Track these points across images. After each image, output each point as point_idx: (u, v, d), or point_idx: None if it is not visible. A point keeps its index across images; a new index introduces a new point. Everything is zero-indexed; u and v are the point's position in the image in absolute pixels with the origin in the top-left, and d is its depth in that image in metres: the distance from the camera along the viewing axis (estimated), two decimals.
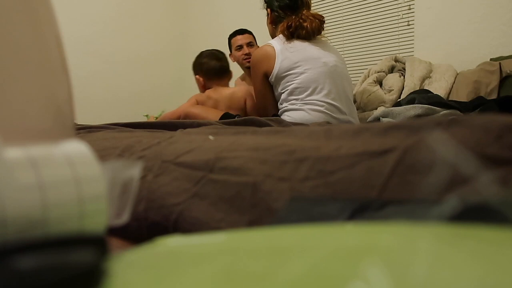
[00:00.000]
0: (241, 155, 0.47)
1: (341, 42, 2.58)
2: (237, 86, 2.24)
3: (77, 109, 0.37)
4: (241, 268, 0.21)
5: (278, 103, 1.56)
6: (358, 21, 2.50)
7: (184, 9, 3.59)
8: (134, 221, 0.48)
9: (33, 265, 0.20)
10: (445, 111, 1.27)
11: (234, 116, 1.55)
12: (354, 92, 1.91)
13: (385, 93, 1.87)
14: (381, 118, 1.41)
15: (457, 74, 1.86)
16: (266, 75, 1.54)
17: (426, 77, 1.90)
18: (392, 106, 1.69)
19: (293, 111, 1.48)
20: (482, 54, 1.94)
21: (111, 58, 3.10)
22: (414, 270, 0.18)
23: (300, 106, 1.47)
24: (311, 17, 1.51)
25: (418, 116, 1.30)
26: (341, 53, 1.92)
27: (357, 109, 1.76)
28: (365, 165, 0.38)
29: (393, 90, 1.86)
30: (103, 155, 0.62)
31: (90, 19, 2.99)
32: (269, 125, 1.06)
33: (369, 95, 1.87)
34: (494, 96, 1.66)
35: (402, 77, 1.93)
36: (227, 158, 0.48)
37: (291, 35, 1.51)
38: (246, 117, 1.18)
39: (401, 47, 2.32)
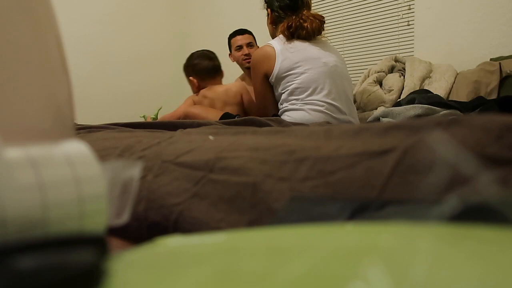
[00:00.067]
0: (241, 155, 0.47)
1: (341, 42, 2.58)
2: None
3: (77, 109, 0.37)
4: (241, 268, 0.21)
5: (278, 103, 1.56)
6: (358, 21, 2.50)
7: (184, 9, 3.58)
8: (134, 221, 0.48)
9: (33, 265, 0.20)
10: (445, 111, 1.27)
11: (234, 116, 1.55)
12: (354, 92, 1.91)
13: (385, 93, 1.87)
14: (381, 118, 1.41)
15: (457, 74, 1.86)
16: (266, 76, 1.54)
17: (426, 77, 1.90)
18: (392, 106, 1.69)
19: (293, 111, 1.48)
20: (482, 54, 1.94)
21: (111, 58, 3.10)
22: (414, 270, 0.18)
23: (300, 106, 1.47)
24: (311, 17, 1.51)
25: (418, 116, 1.30)
26: (341, 53, 1.92)
27: (357, 109, 1.76)
28: (365, 165, 0.38)
29: (393, 90, 1.86)
30: (103, 155, 0.63)
31: (90, 19, 2.99)
32: (269, 125, 1.06)
33: (369, 95, 1.87)
34: (494, 96, 1.66)
35: (402, 77, 1.93)
36: (227, 158, 0.48)
37: (291, 35, 1.51)
38: (246, 117, 1.19)
39: (401, 47, 2.32)
